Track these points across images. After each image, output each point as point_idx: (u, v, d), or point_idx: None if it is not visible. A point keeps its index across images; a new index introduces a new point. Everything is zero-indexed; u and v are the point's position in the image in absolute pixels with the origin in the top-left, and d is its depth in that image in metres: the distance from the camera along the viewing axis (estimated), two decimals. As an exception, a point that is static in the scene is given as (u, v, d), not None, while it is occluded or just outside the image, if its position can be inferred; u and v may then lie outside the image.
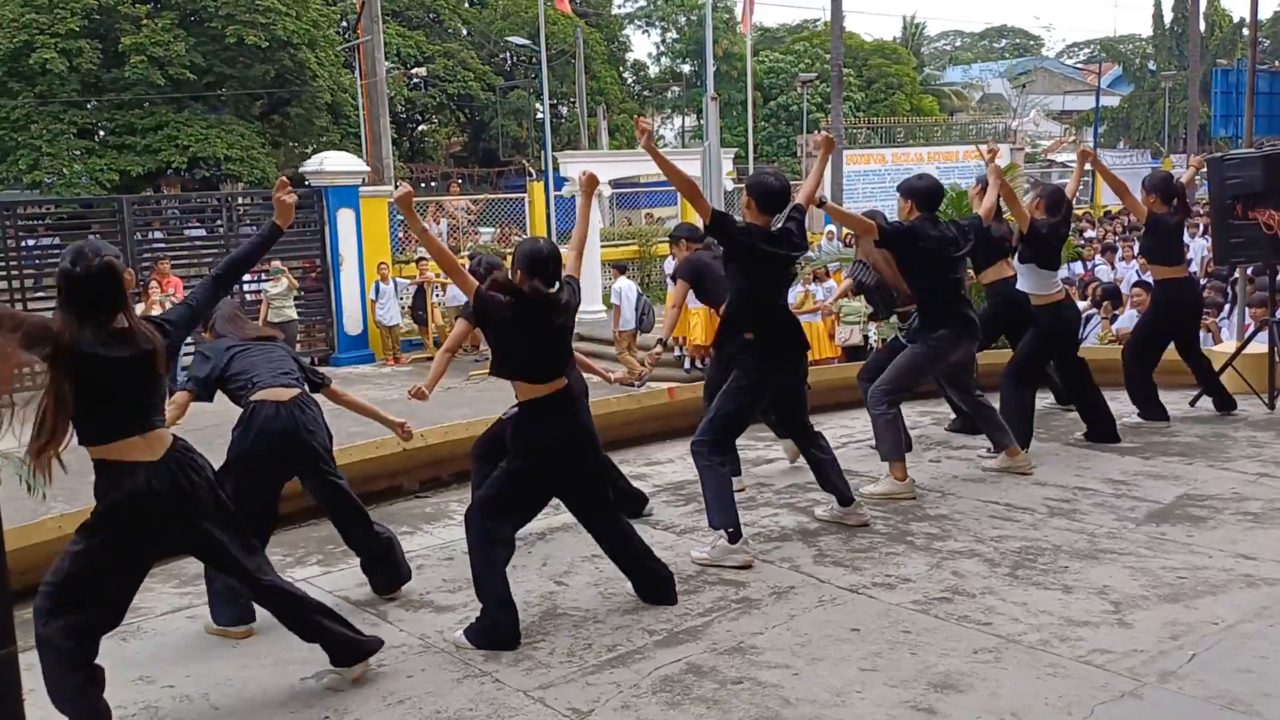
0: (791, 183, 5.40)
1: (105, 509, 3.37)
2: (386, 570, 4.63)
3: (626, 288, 14.46)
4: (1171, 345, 7.20)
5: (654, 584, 4.39)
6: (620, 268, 15.11)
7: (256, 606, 4.12)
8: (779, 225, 5.01)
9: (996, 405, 6.30)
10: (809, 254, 16.15)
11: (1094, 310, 11.01)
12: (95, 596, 3.39)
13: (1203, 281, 11.28)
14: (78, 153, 25.78)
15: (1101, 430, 6.74)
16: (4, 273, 13.49)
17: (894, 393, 5.72)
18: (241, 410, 4.37)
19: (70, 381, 3.19)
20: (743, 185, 5.07)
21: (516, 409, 4.28)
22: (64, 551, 3.42)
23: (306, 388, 4.54)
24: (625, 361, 13.51)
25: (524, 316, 4.01)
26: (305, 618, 3.69)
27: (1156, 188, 7.04)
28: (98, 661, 3.44)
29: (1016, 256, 6.63)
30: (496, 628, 4.04)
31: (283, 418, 4.32)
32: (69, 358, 3.18)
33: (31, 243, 14.76)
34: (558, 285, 4.13)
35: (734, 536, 4.79)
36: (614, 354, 14.11)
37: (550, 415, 4.13)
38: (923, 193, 5.71)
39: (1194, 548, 4.79)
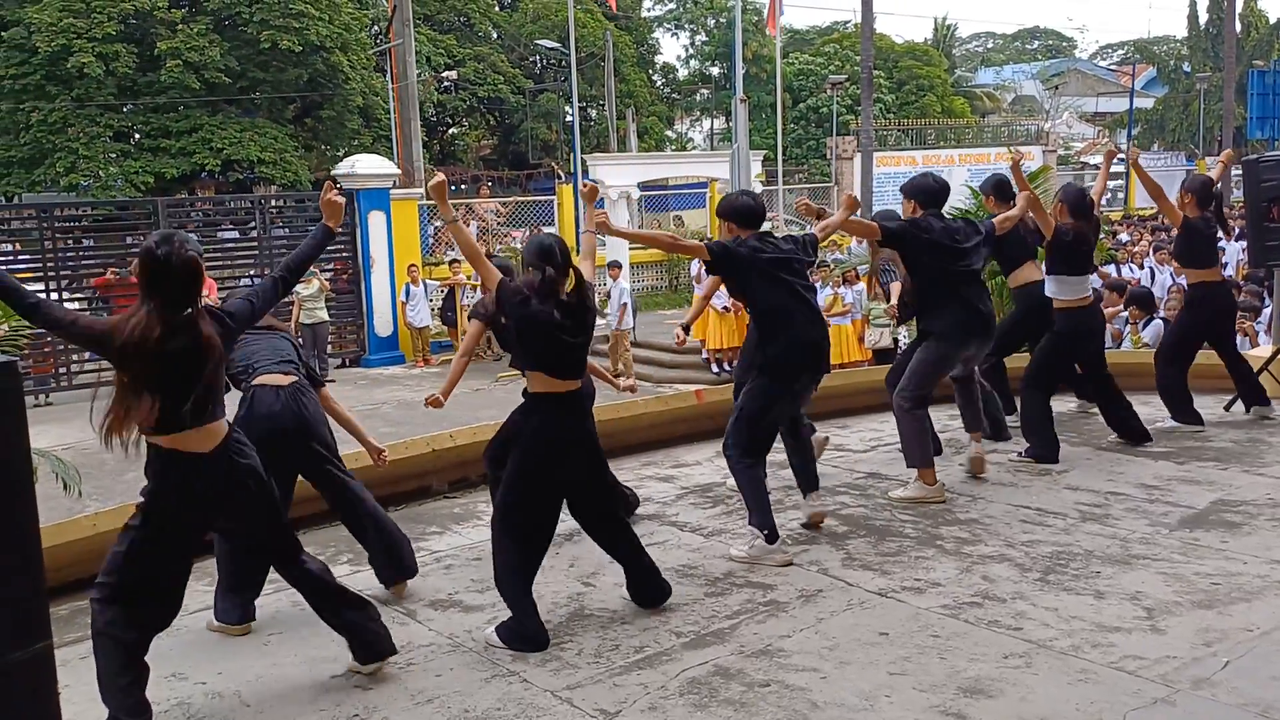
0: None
1: (154, 495, 3.42)
2: (389, 563, 4.64)
3: (625, 288, 14.69)
4: (1208, 350, 7.11)
5: (644, 584, 4.39)
6: (616, 265, 15.24)
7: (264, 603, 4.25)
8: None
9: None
10: (838, 256, 16.10)
11: (1123, 313, 10.86)
12: (147, 588, 3.43)
13: (1241, 284, 11.12)
14: (114, 155, 26.12)
15: (1132, 430, 6.68)
16: (40, 274, 13.67)
17: (916, 396, 5.68)
18: (241, 395, 4.44)
19: (139, 373, 3.24)
20: (730, 204, 5.03)
21: (523, 404, 4.28)
22: (116, 544, 3.48)
23: (304, 378, 4.59)
24: (623, 362, 13.90)
25: (542, 310, 4.00)
26: (337, 608, 3.73)
27: (1194, 189, 6.95)
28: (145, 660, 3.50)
29: (1044, 265, 6.57)
30: (524, 629, 4.06)
31: (282, 400, 4.37)
32: (136, 352, 3.21)
33: (68, 243, 14.95)
34: (575, 280, 4.08)
35: (770, 538, 4.80)
36: (604, 350, 14.29)
37: (560, 414, 4.13)
38: (926, 191, 5.67)
39: (1228, 553, 4.74)
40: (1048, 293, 6.52)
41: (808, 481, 5.33)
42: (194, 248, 3.36)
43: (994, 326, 5.86)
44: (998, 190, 6.94)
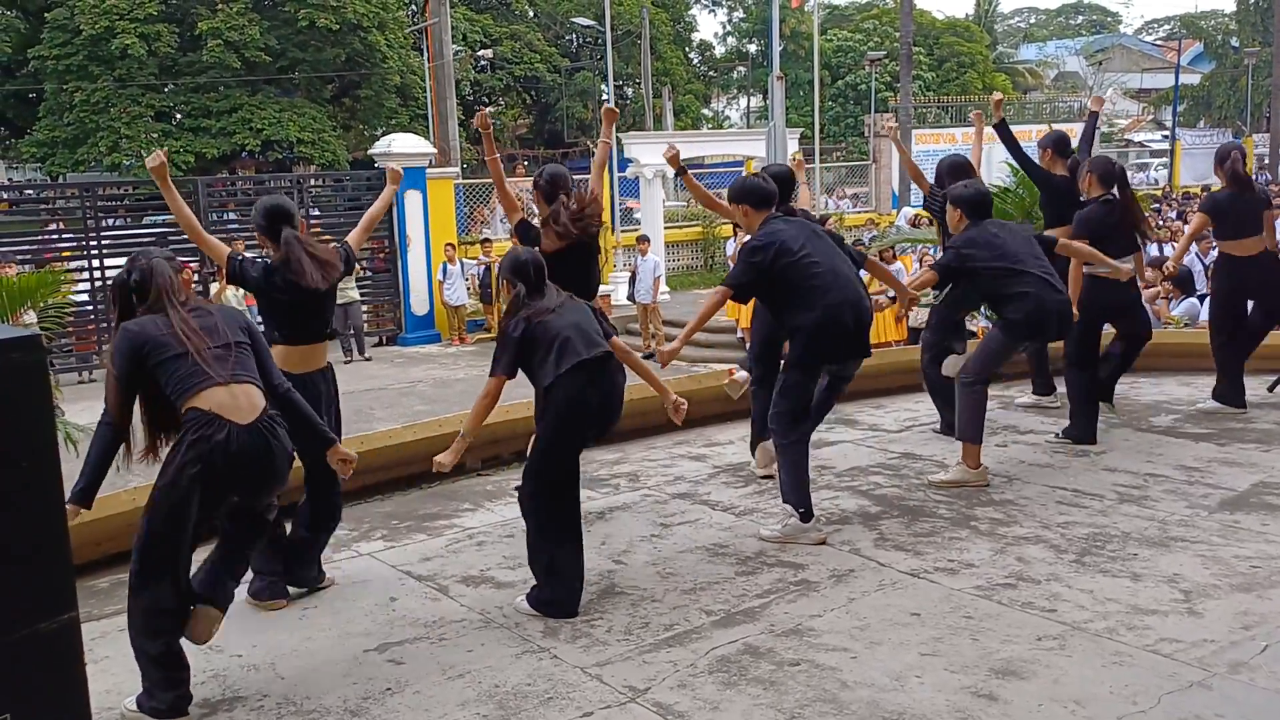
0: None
1: (179, 458, 3.39)
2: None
3: (657, 262, 14.74)
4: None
5: None
6: (645, 240, 15.24)
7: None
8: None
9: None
10: (874, 234, 15.98)
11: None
12: (170, 554, 3.43)
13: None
14: (155, 135, 26.46)
15: (1104, 389, 6.56)
16: (83, 252, 13.86)
17: (978, 376, 5.61)
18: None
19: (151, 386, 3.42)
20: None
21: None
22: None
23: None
24: (654, 339, 14.14)
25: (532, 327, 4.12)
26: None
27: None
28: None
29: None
30: (554, 595, 4.13)
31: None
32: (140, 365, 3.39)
33: (110, 222, 15.12)
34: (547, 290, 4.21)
35: (805, 516, 4.79)
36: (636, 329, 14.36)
37: (571, 389, 4.09)
38: (969, 201, 5.53)
39: (1269, 536, 4.66)
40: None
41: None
42: (152, 256, 3.57)
43: (1069, 317, 5.60)
44: (1058, 146, 6.76)
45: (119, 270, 3.55)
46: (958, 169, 6.44)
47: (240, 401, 3.39)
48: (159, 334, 3.38)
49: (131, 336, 3.39)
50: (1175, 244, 14.46)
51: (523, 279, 4.17)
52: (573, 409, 4.09)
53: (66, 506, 3.29)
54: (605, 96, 27.91)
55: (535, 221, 5.09)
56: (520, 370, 4.17)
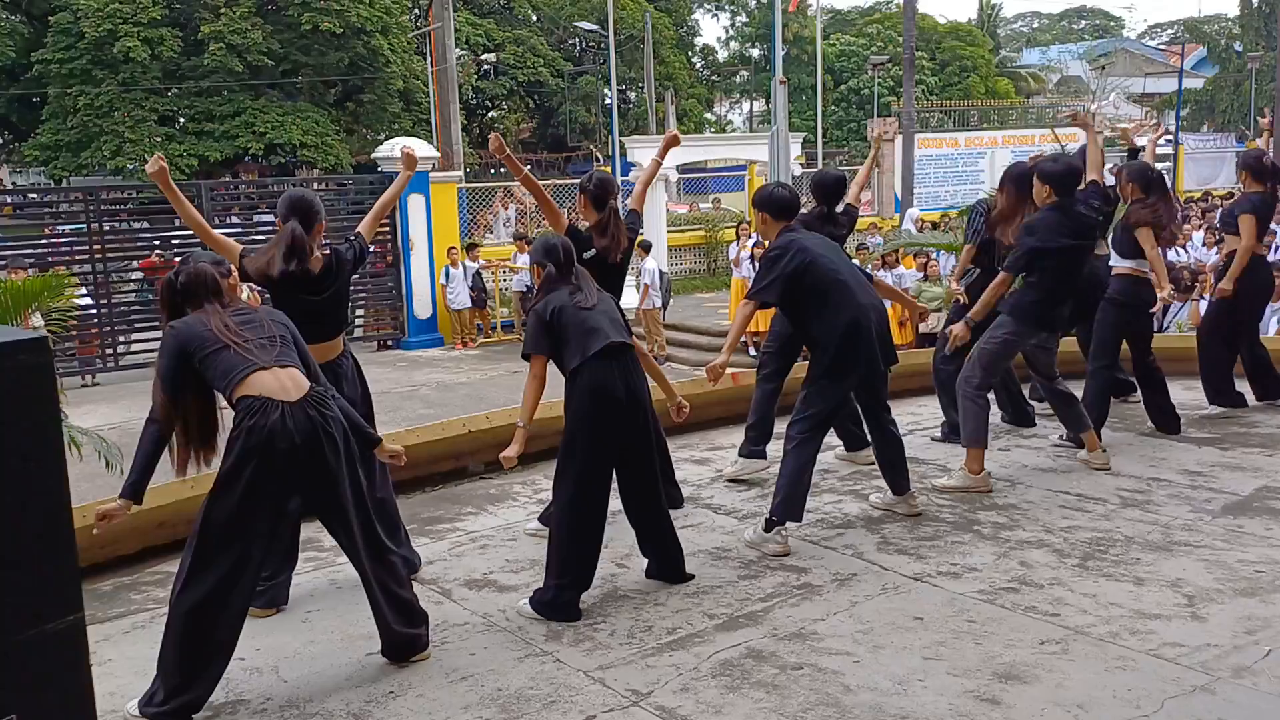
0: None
1: (238, 446, 3.42)
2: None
3: (652, 269, 14.72)
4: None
5: (666, 564, 4.49)
6: (645, 247, 15.27)
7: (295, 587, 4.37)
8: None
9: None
10: (877, 240, 15.98)
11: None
12: (227, 551, 3.42)
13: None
14: (159, 139, 26.51)
15: (1167, 420, 6.54)
16: (87, 257, 13.86)
17: (984, 381, 5.58)
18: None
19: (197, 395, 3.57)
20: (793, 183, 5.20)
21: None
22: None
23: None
24: (655, 343, 14.21)
25: (556, 306, 4.21)
26: (393, 614, 3.77)
27: (1248, 165, 6.85)
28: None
29: (1113, 245, 6.36)
30: (557, 599, 4.13)
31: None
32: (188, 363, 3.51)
33: (111, 227, 15.10)
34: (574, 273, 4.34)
35: (770, 524, 4.77)
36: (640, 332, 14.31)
37: (598, 374, 4.11)
38: (1059, 177, 5.43)
39: (1273, 541, 4.65)
40: (1111, 261, 6.33)
41: (895, 481, 5.21)
42: (203, 260, 3.77)
43: (1074, 319, 5.63)
44: (1143, 179, 6.36)
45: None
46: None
47: (286, 383, 3.48)
48: (203, 330, 3.49)
49: (177, 334, 3.51)
50: (1183, 249, 14.46)
51: (552, 260, 4.31)
52: (600, 395, 4.10)
53: (119, 501, 3.43)
54: (608, 100, 27.94)
55: (581, 225, 5.17)
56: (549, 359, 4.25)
